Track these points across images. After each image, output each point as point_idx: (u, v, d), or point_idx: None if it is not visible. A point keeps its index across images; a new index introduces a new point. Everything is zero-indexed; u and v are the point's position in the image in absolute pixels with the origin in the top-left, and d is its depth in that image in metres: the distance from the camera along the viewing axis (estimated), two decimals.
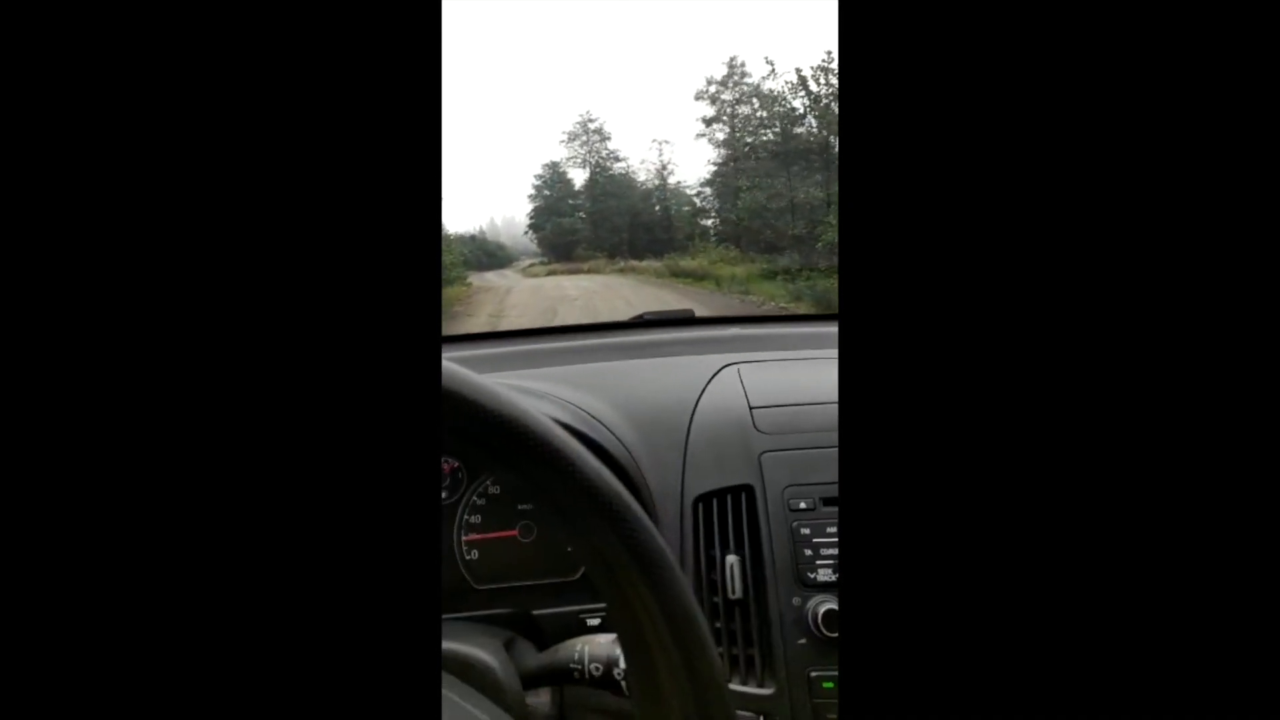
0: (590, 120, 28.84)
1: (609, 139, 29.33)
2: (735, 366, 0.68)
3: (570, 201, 29.42)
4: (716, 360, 0.70)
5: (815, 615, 0.48)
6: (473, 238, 36.61)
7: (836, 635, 0.48)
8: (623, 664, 0.40)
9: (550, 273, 24.65)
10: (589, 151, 28.69)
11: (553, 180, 30.01)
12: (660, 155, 33.47)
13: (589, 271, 22.98)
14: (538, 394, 0.61)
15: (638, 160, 31.20)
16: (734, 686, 0.48)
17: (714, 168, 24.29)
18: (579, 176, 29.72)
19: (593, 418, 0.59)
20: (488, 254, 35.37)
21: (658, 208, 27.75)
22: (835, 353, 0.73)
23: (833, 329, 0.89)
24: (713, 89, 23.33)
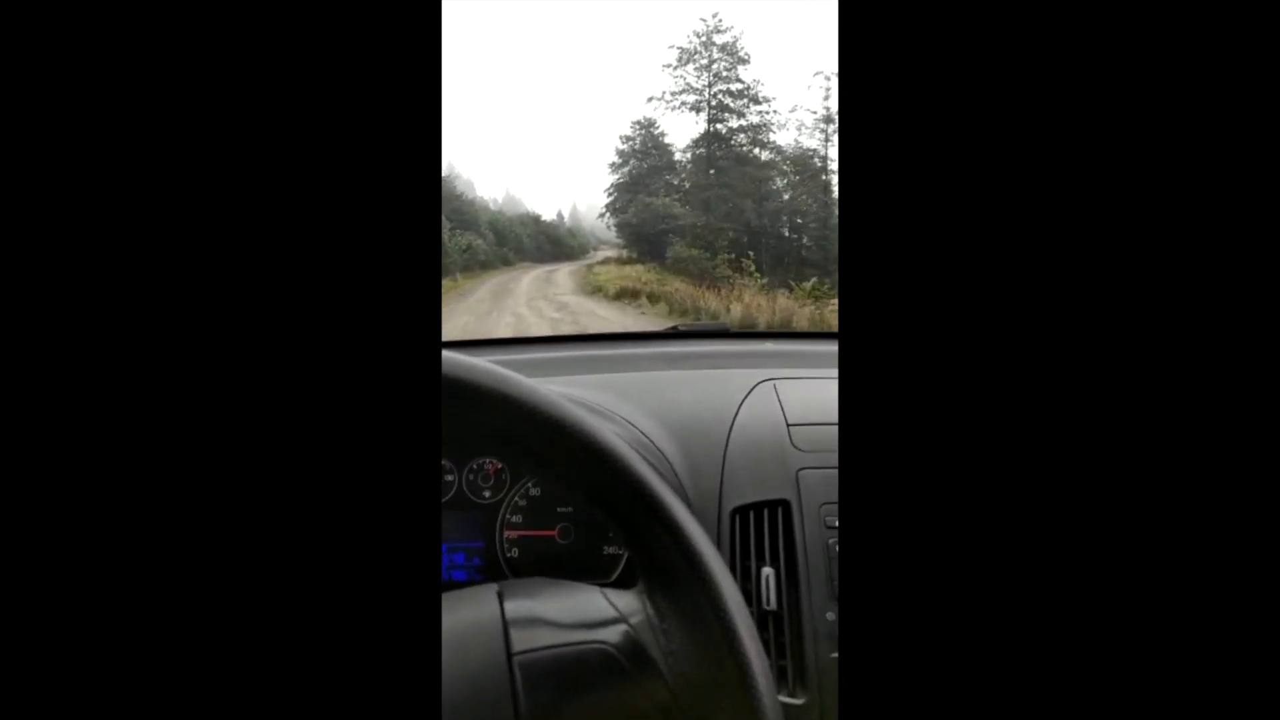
0: (718, 29, 17.89)
1: (745, 63, 18.31)
2: (772, 382, 0.68)
3: (667, 177, 19.13)
4: (753, 375, 0.70)
5: None
6: (536, 219, 27.58)
7: None
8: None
9: (622, 292, 11.94)
10: (709, 83, 17.83)
11: (644, 145, 19.83)
12: (826, 98, 21.36)
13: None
14: (575, 400, 0.60)
15: (786, 107, 19.45)
16: None
17: None
18: (687, 128, 18.91)
19: (630, 424, 0.60)
20: (552, 242, 26.43)
21: (787, 194, 16.81)
22: None
23: None
24: None
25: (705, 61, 17.55)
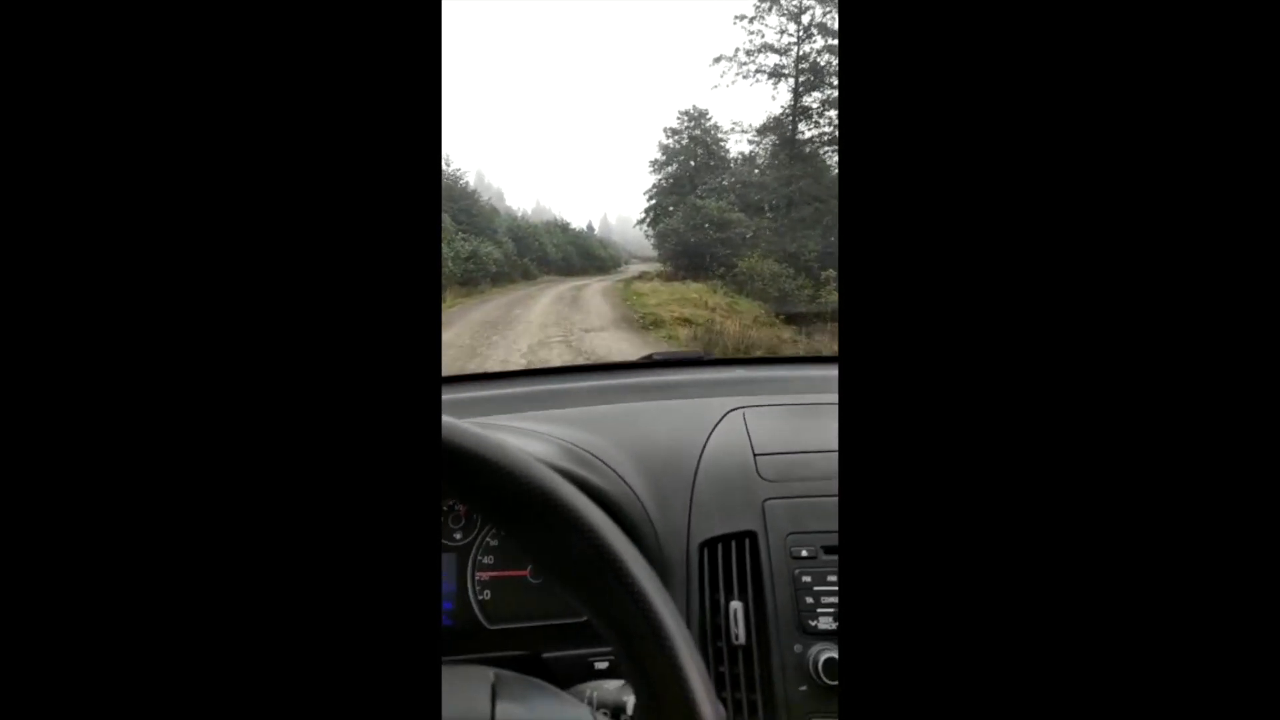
0: None
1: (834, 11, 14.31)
2: (741, 411, 0.69)
3: (718, 179, 15.24)
4: (723, 404, 0.71)
5: (816, 663, 0.51)
6: (564, 227, 24.00)
7: (836, 683, 0.51)
8: (630, 709, 0.40)
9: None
10: (799, 39, 13.78)
11: (690, 141, 16.03)
12: None
13: None
14: (542, 436, 0.63)
15: None
16: None
17: None
18: (761, 104, 14.95)
19: (600, 460, 0.60)
20: (581, 254, 22.83)
21: None
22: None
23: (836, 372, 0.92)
24: None
25: (794, 8, 13.59)
